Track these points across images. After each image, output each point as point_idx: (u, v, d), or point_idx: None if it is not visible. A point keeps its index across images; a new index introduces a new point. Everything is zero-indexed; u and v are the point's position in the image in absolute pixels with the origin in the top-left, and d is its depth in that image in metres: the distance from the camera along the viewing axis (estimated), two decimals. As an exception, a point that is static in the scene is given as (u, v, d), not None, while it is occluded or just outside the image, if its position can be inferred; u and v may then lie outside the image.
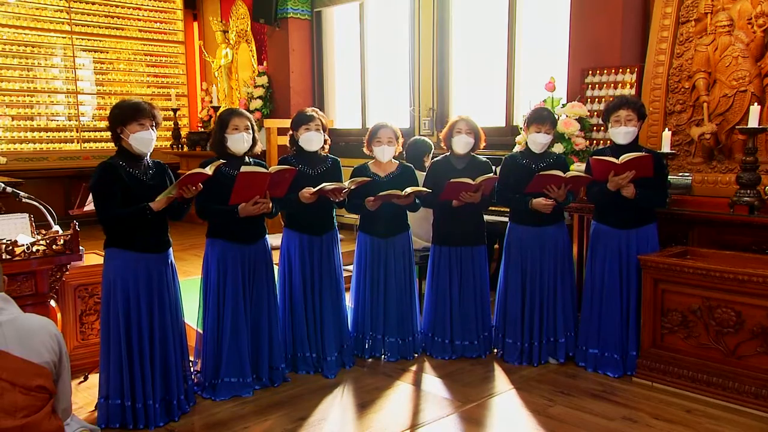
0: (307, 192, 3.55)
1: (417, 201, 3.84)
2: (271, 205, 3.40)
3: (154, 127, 3.10)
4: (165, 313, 3.17)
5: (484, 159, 4.03)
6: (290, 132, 3.79)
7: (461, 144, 3.89)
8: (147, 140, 3.06)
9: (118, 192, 3.01)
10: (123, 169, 3.05)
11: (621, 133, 3.65)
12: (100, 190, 3.03)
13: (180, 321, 3.30)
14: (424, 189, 3.75)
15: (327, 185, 3.53)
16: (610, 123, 3.71)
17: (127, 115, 3.03)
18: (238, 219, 3.36)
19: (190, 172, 3.05)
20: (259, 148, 3.57)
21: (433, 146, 4.95)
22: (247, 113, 3.53)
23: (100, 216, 3.06)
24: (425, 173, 4.12)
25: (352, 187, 3.66)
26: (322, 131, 3.72)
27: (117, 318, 3.08)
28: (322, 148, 3.79)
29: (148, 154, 3.14)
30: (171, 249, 3.27)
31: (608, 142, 4.83)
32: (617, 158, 3.53)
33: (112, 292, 3.09)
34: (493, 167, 4.03)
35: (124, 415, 3.10)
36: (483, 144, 3.98)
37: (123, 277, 3.08)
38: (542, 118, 3.80)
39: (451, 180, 3.69)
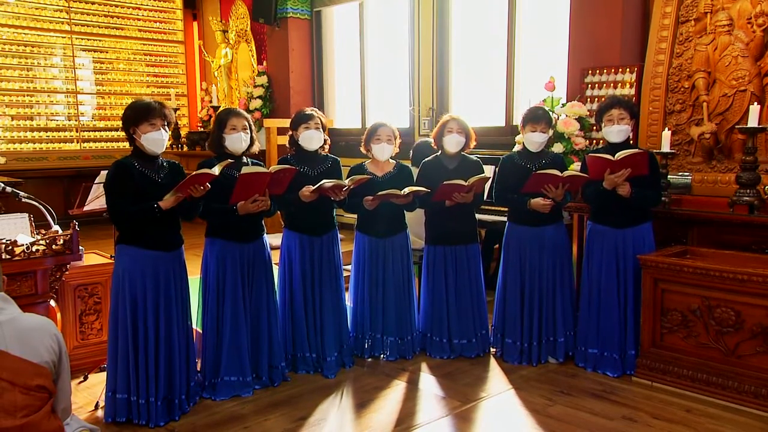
0: (307, 190, 3.55)
1: (415, 200, 3.84)
2: (269, 202, 3.40)
3: (165, 127, 3.12)
4: (171, 311, 3.18)
5: (475, 158, 4.04)
6: (290, 132, 3.79)
7: (452, 143, 3.89)
8: (158, 140, 3.08)
9: (129, 190, 3.03)
10: (136, 168, 3.08)
11: (614, 131, 3.66)
12: (111, 187, 3.07)
13: (188, 321, 3.31)
14: (423, 189, 3.75)
15: (326, 182, 3.53)
16: (603, 123, 3.73)
17: (138, 115, 3.06)
18: (237, 218, 3.36)
19: (196, 172, 3.06)
20: (256, 148, 3.57)
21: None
22: (245, 113, 3.53)
23: (110, 212, 3.09)
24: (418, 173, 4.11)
25: (352, 186, 3.65)
26: (321, 130, 3.72)
27: (124, 314, 3.09)
28: (322, 147, 3.79)
29: (161, 153, 3.16)
30: (182, 248, 3.28)
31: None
32: (613, 156, 3.53)
33: (120, 288, 3.10)
34: (489, 166, 4.04)
35: (131, 410, 3.12)
36: (473, 143, 3.99)
37: (131, 273, 3.09)
38: (537, 117, 3.81)
39: (444, 182, 3.70)
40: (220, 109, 8.92)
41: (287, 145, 3.85)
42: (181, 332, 3.23)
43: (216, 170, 3.11)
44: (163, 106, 3.14)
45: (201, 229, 3.56)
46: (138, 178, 3.06)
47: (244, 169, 3.24)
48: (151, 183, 3.09)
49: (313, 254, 3.74)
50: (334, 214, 3.88)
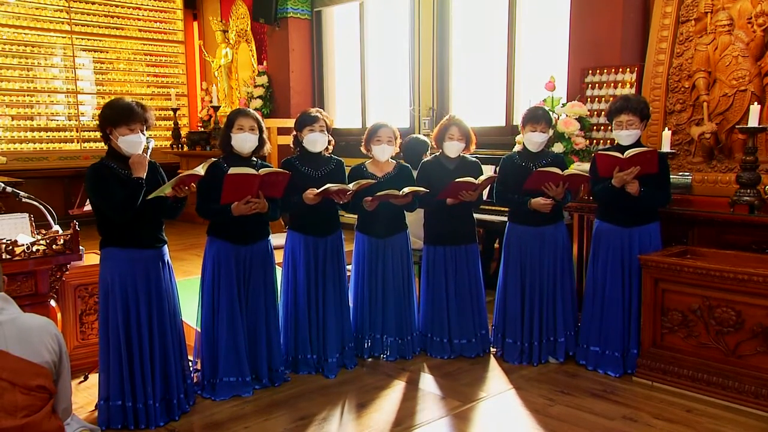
0: (311, 193, 3.54)
1: (414, 201, 3.84)
2: (266, 204, 3.39)
3: (143, 131, 3.07)
4: (164, 310, 3.17)
5: (474, 159, 4.06)
6: (294, 133, 3.79)
7: (453, 149, 3.92)
8: (135, 143, 3.04)
9: (112, 188, 2.99)
10: (114, 170, 3.04)
11: (623, 136, 3.67)
12: (96, 188, 3.01)
13: (178, 319, 3.30)
14: (422, 189, 3.75)
15: (331, 186, 3.52)
16: (613, 125, 3.72)
17: (118, 117, 3.00)
18: (238, 219, 3.35)
19: (183, 174, 3.05)
20: (267, 149, 3.55)
21: (429, 144, 4.96)
22: (255, 114, 3.51)
23: (105, 208, 3.02)
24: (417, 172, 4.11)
25: (356, 189, 3.64)
26: (326, 132, 3.72)
27: (116, 317, 3.08)
28: (326, 149, 3.79)
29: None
30: (166, 246, 3.27)
31: (608, 141, 4.85)
32: (622, 154, 3.54)
33: (110, 292, 3.09)
34: (489, 166, 4.05)
35: (125, 416, 3.10)
36: (473, 147, 4.01)
37: (121, 275, 3.08)
38: (537, 117, 3.81)
39: (456, 180, 3.71)
40: (221, 109, 8.98)
41: (291, 146, 3.85)
42: (173, 330, 3.22)
43: (200, 171, 3.09)
44: (145, 109, 3.07)
45: (201, 229, 3.56)
46: (116, 179, 3.02)
47: (231, 170, 3.22)
48: (127, 184, 3.03)
49: (317, 256, 3.73)
50: (338, 215, 3.88)
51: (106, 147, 3.13)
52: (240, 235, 3.45)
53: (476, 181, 3.72)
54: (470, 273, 4.00)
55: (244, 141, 3.43)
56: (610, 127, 3.88)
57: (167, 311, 3.19)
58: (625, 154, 3.52)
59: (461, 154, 3.98)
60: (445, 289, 3.98)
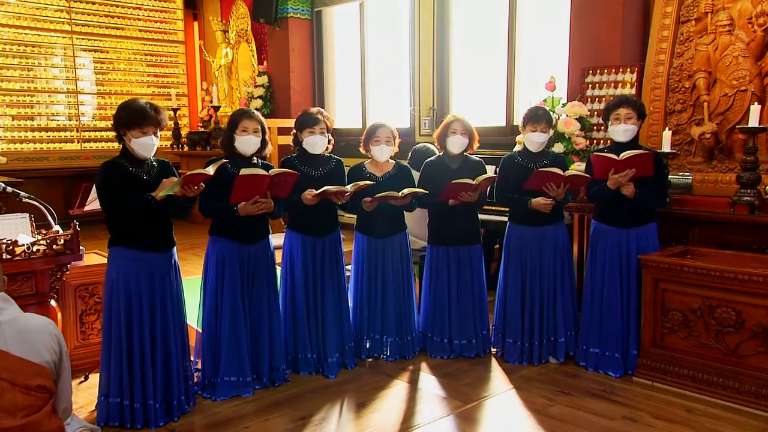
0: (310, 194, 3.54)
1: (413, 201, 3.83)
2: (272, 204, 3.39)
3: (157, 134, 3.09)
4: (167, 312, 3.17)
5: (477, 158, 4.05)
6: (294, 132, 3.79)
7: (456, 144, 3.90)
8: (148, 146, 3.06)
9: (122, 189, 3.01)
10: (125, 168, 3.06)
11: (620, 130, 3.65)
12: (104, 187, 3.04)
13: (183, 321, 3.30)
14: (421, 190, 3.75)
15: (330, 188, 3.53)
16: (610, 121, 3.71)
17: (132, 120, 3.02)
18: (239, 218, 3.36)
19: (192, 172, 3.05)
20: (268, 151, 3.56)
21: (437, 153, 4.95)
22: (259, 115, 3.51)
23: (107, 212, 3.06)
24: (419, 173, 4.11)
25: (354, 191, 3.64)
26: (326, 133, 3.72)
27: (119, 317, 3.08)
28: (326, 149, 3.79)
29: (150, 156, 3.14)
30: (175, 249, 3.27)
31: (608, 141, 4.84)
32: (617, 156, 3.53)
33: (115, 291, 3.09)
34: (489, 166, 4.04)
35: (123, 414, 3.10)
36: (476, 145, 4.00)
37: (125, 275, 3.08)
38: (537, 117, 3.81)
39: (453, 182, 3.70)
40: (221, 109, 8.97)
41: (291, 145, 3.85)
42: (177, 332, 3.22)
43: (210, 170, 3.10)
44: (158, 112, 3.08)
45: (202, 229, 3.56)
46: (127, 178, 3.04)
47: (243, 171, 3.23)
48: (142, 183, 3.06)
49: (315, 255, 3.73)
50: (337, 215, 3.88)
51: (106, 147, 3.16)
52: (244, 234, 3.46)
53: (473, 182, 3.71)
54: (473, 274, 4.00)
55: (247, 143, 3.43)
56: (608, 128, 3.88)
57: (171, 313, 3.19)
58: (621, 156, 3.51)
59: (464, 154, 3.98)
60: (447, 290, 3.98)
